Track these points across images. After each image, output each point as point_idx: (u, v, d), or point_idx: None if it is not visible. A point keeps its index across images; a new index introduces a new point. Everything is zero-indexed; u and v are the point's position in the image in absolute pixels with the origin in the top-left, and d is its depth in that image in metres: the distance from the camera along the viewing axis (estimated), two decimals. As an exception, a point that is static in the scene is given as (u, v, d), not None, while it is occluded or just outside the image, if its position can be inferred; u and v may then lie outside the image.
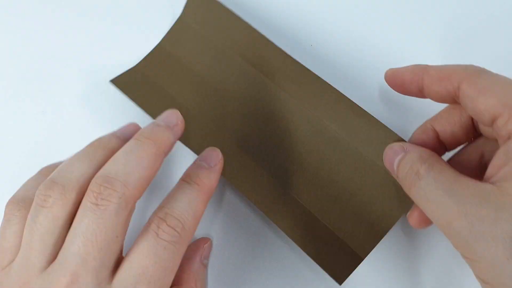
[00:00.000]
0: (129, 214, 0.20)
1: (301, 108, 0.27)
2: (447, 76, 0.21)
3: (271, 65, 0.28)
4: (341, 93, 0.26)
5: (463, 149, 0.24)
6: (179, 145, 0.27)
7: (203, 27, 0.30)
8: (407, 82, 0.23)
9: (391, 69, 0.25)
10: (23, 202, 0.21)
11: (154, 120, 0.23)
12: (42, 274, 0.19)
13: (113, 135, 0.23)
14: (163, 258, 0.19)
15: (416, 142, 0.24)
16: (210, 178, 0.23)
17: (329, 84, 0.27)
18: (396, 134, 0.24)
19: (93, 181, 0.20)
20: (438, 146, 0.23)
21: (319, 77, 0.27)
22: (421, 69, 0.23)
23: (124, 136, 0.23)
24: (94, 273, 0.18)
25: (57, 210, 0.19)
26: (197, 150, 0.27)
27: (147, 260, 0.19)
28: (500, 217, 0.17)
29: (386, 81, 0.25)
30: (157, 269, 0.19)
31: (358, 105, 0.26)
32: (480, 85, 0.20)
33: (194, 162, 0.24)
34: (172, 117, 0.23)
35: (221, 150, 0.24)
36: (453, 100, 0.22)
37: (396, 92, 0.25)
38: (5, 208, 0.21)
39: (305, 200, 0.25)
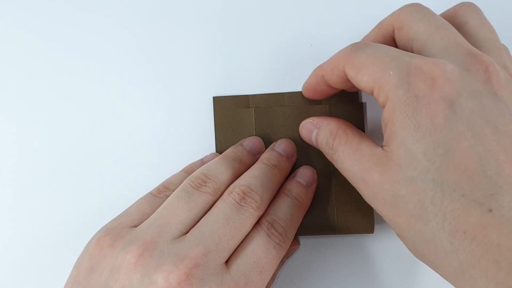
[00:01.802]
0: (251, 225, 0.23)
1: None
2: (335, 65, 0.23)
3: None
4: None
5: None
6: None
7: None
8: (317, 88, 0.25)
9: (303, 86, 0.27)
10: (168, 189, 0.25)
11: (273, 146, 0.27)
12: (173, 240, 0.21)
13: (244, 149, 0.26)
14: (272, 254, 0.22)
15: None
16: (308, 196, 0.26)
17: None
18: None
19: (236, 186, 0.23)
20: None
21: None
22: (318, 70, 0.25)
23: (253, 151, 0.27)
24: (222, 253, 0.21)
25: (206, 198, 0.23)
26: None
27: (260, 252, 0.22)
28: (384, 180, 0.20)
29: (305, 96, 0.27)
30: (267, 262, 0.22)
31: None
32: (356, 64, 0.21)
33: (293, 179, 0.26)
34: (290, 147, 0.27)
35: None
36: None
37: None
38: (153, 190, 0.25)
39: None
